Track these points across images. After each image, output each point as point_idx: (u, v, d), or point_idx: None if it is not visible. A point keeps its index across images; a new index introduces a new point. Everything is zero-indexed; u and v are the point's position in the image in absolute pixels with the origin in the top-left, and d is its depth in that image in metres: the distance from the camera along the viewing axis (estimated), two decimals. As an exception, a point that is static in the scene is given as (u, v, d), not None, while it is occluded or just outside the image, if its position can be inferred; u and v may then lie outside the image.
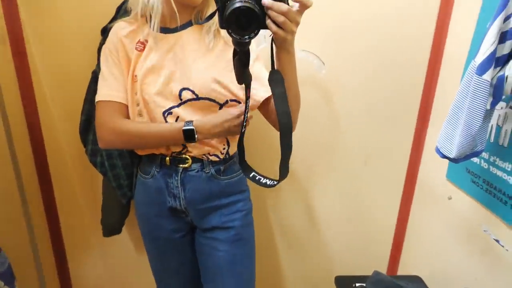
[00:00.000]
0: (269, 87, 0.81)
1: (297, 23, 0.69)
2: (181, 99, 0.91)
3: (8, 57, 1.18)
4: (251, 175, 0.85)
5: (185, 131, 0.89)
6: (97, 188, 1.28)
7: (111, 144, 0.96)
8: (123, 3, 1.11)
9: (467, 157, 0.88)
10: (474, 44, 1.05)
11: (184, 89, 0.90)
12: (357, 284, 1.23)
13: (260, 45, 1.16)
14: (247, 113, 0.84)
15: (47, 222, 1.39)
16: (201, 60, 0.91)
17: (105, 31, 1.14)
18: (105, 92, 0.92)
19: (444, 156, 0.91)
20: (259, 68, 0.96)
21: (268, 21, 0.67)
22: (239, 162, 0.89)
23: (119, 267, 1.52)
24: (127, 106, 0.94)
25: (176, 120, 0.92)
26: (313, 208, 1.48)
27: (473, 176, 1.06)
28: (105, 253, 1.48)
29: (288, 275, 1.58)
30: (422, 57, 1.27)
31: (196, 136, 0.89)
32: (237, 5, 0.63)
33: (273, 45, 0.74)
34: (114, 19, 1.12)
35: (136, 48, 0.91)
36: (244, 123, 0.85)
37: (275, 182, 0.81)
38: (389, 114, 1.35)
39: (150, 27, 0.90)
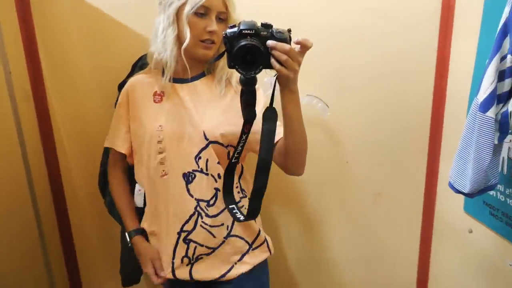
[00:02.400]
0: (278, 132, 0.86)
1: (299, 62, 0.74)
2: (206, 140, 0.94)
3: (32, 113, 1.26)
4: (230, 207, 0.90)
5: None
6: (116, 239, 1.30)
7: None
8: (138, 60, 1.19)
9: (481, 191, 0.88)
10: (476, 76, 1.09)
11: (205, 131, 0.94)
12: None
13: (267, 92, 1.22)
14: (241, 147, 0.86)
15: (67, 272, 1.41)
16: (213, 106, 0.96)
17: (121, 87, 1.22)
18: (110, 140, 1.03)
19: (458, 191, 0.92)
20: None
21: (272, 60, 0.72)
22: (223, 192, 0.93)
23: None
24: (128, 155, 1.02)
25: (206, 163, 0.95)
26: (326, 247, 1.47)
27: (491, 209, 1.05)
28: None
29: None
30: (426, 92, 1.30)
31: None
32: (243, 43, 0.71)
33: (276, 85, 0.79)
34: (130, 75, 1.20)
35: (154, 101, 0.97)
36: (236, 155, 0.88)
37: (242, 218, 0.87)
38: (398, 152, 1.36)
39: (163, 79, 0.95)
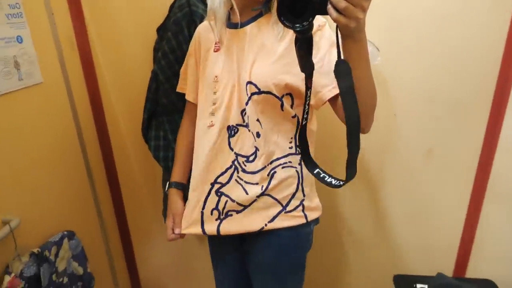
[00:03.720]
0: (335, 87, 0.78)
1: (363, 8, 0.60)
2: (247, 94, 0.89)
3: (77, 60, 1.29)
4: (315, 172, 0.79)
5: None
6: (159, 182, 1.35)
7: None
8: (175, 1, 1.14)
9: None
10: None
11: (249, 83, 0.88)
12: (418, 285, 1.16)
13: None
14: (307, 105, 0.77)
15: (115, 214, 1.53)
16: (266, 52, 0.88)
17: (159, 30, 1.19)
18: (181, 86, 1.07)
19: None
20: (332, 58, 0.86)
21: (329, 7, 0.60)
22: (302, 156, 0.84)
23: (180, 254, 1.60)
24: (195, 106, 1.01)
25: (248, 118, 0.90)
26: (374, 204, 1.41)
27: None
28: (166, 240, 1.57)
29: (349, 269, 1.53)
30: (496, 37, 1.11)
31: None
32: None
33: (338, 33, 0.66)
34: (168, 17, 1.16)
35: (214, 50, 0.94)
36: (305, 115, 0.78)
37: (341, 183, 0.74)
38: (456, 103, 1.21)
39: (215, 27, 0.92)
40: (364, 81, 0.73)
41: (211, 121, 0.93)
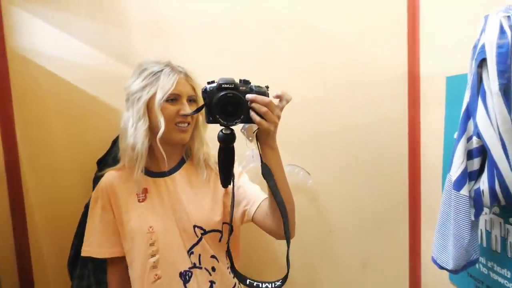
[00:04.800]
0: (256, 200, 0.89)
1: (278, 116, 0.75)
2: (197, 236, 0.90)
3: (4, 192, 1.21)
4: (247, 283, 0.83)
5: None
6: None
7: None
8: (117, 137, 1.19)
9: (464, 267, 0.87)
10: (447, 143, 1.14)
11: (195, 226, 0.91)
12: None
13: (250, 164, 1.23)
14: (231, 222, 0.86)
15: None
16: (201, 195, 0.94)
17: (100, 163, 1.20)
18: (86, 248, 0.93)
19: (442, 267, 0.91)
20: (245, 182, 0.97)
21: (252, 113, 0.72)
22: (231, 269, 0.88)
23: None
24: (117, 258, 0.93)
25: (199, 257, 0.91)
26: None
27: (476, 281, 1.03)
28: None
29: None
30: (401, 160, 1.36)
31: None
32: (224, 92, 0.72)
33: (257, 143, 0.78)
34: (109, 152, 1.19)
35: (138, 200, 0.91)
36: (230, 233, 0.87)
37: (279, 283, 0.80)
38: (380, 221, 1.37)
39: (135, 173, 0.89)
40: (283, 182, 0.82)
41: (156, 275, 0.89)
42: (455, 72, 1.10)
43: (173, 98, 0.88)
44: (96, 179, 1.16)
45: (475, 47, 0.80)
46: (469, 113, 0.81)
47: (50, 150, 1.24)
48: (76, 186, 1.24)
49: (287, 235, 0.79)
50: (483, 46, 0.74)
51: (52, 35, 1.21)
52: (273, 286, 0.80)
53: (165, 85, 0.86)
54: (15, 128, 1.22)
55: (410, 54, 1.31)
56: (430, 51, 1.26)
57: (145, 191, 0.92)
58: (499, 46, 0.71)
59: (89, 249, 0.92)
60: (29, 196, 1.24)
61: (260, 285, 0.81)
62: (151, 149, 0.91)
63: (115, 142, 1.18)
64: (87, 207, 1.12)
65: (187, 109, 0.88)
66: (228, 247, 0.89)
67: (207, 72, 1.17)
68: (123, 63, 1.20)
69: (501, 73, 0.71)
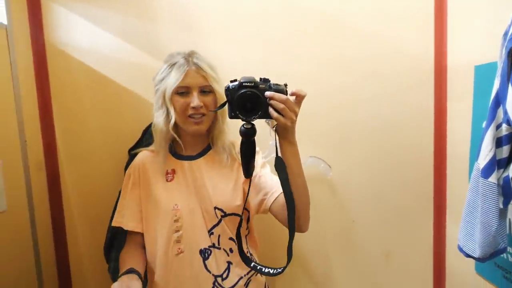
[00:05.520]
0: (276, 192, 0.93)
1: (295, 112, 0.79)
2: (217, 217, 0.96)
3: (43, 181, 1.29)
4: (251, 265, 0.92)
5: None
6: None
7: None
8: (149, 126, 1.24)
9: (491, 255, 0.87)
10: (474, 134, 1.13)
11: (216, 208, 0.96)
12: None
13: (271, 155, 1.25)
14: (245, 206, 0.93)
15: None
16: (223, 180, 0.99)
17: (132, 151, 1.26)
18: (118, 219, 1.00)
19: (468, 256, 0.91)
20: (266, 173, 1.01)
21: (270, 109, 0.78)
22: (238, 252, 0.94)
23: None
24: (138, 234, 0.99)
25: (219, 238, 0.96)
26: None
27: (504, 271, 1.03)
28: None
29: None
30: (427, 152, 1.34)
31: None
32: (243, 91, 0.78)
33: (276, 137, 0.83)
34: (140, 141, 1.24)
35: (166, 180, 0.98)
36: (242, 216, 0.93)
37: (279, 270, 0.87)
38: (404, 211, 1.37)
39: (160, 157, 0.97)
40: (298, 177, 0.85)
41: (179, 248, 0.95)
42: (483, 61, 1.08)
43: (183, 91, 0.92)
44: (127, 167, 1.23)
45: (505, 34, 0.79)
46: (499, 101, 0.81)
47: (85, 141, 1.31)
48: (110, 174, 1.30)
49: (291, 227, 0.84)
50: (514, 33, 0.74)
51: (88, 30, 1.27)
52: (274, 271, 0.88)
53: (173, 78, 0.91)
54: (53, 120, 1.29)
55: (437, 44, 1.29)
56: (458, 40, 1.24)
57: (173, 172, 0.99)
58: (531, 32, 0.70)
59: (122, 220, 1.00)
60: (66, 185, 1.32)
61: (263, 269, 0.89)
62: (179, 135, 0.98)
63: (146, 131, 1.23)
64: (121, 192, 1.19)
65: (196, 100, 0.92)
66: (238, 231, 0.94)
67: (234, 64, 1.23)
68: (154, 56, 1.25)
69: (532, 59, 0.70)
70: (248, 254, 1.01)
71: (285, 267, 0.86)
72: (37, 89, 1.26)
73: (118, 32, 1.27)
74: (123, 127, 1.30)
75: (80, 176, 1.32)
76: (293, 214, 0.84)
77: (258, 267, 0.91)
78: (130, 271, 0.89)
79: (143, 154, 1.04)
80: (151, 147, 1.03)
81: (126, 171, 1.04)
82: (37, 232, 1.21)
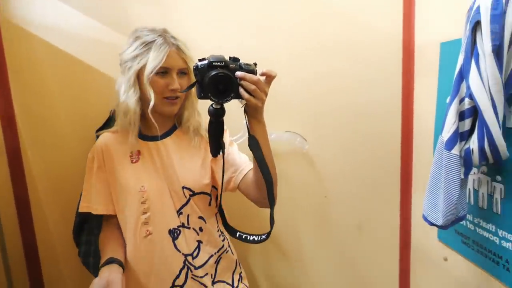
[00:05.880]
0: (244, 169, 0.96)
1: (265, 92, 0.80)
2: (185, 197, 0.96)
3: (4, 165, 1.22)
4: (237, 235, 0.95)
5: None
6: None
7: None
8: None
9: (453, 223, 0.93)
10: (439, 112, 1.18)
11: (184, 187, 0.96)
12: None
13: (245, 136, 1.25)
14: (222, 181, 0.94)
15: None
16: (190, 159, 0.99)
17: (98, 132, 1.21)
18: (84, 204, 0.98)
19: (432, 224, 0.96)
20: (234, 151, 1.03)
21: (241, 90, 0.77)
22: (223, 224, 0.97)
23: None
24: (113, 215, 0.99)
25: (188, 218, 0.96)
26: (310, 277, 1.47)
27: (463, 237, 1.10)
28: None
29: None
30: (395, 128, 1.39)
31: None
32: (215, 72, 0.76)
33: (245, 116, 0.84)
34: (107, 121, 1.20)
35: (131, 161, 0.96)
36: (222, 186, 0.96)
37: (264, 236, 0.90)
38: (373, 186, 1.42)
39: (130, 138, 0.94)
40: (268, 154, 0.87)
41: (147, 230, 0.94)
42: (449, 38, 1.12)
43: (163, 72, 0.90)
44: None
45: (470, 9, 0.81)
46: (462, 76, 0.84)
47: (49, 121, 1.24)
48: (77, 157, 1.24)
49: (271, 201, 0.86)
50: (478, 8, 0.76)
51: (48, 4, 1.18)
52: (259, 238, 0.91)
53: (155, 59, 0.87)
54: (12, 102, 1.21)
55: (406, 21, 1.31)
56: (425, 17, 1.27)
57: (138, 153, 0.97)
58: (493, 8, 0.73)
59: (89, 205, 0.98)
60: (30, 168, 1.25)
61: (248, 237, 0.93)
62: (143, 115, 0.95)
63: (114, 112, 1.19)
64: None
65: (176, 83, 0.90)
66: (220, 206, 0.97)
67: (204, 42, 1.19)
68: (120, 33, 1.18)
69: (494, 34, 0.73)
70: (221, 232, 1.03)
71: (269, 233, 0.89)
72: (-9, 68, 1.17)
73: (81, 7, 1.20)
74: (89, 107, 1.25)
75: (46, 160, 1.26)
76: (272, 188, 0.85)
77: (243, 236, 0.94)
78: (110, 261, 0.87)
79: (105, 136, 1.00)
80: (113, 128, 0.99)
81: (89, 154, 1.00)
82: (1, 218, 1.15)
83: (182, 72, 0.93)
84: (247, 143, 0.86)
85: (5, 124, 1.21)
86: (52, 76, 1.22)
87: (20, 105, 1.22)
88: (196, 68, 0.78)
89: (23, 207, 1.26)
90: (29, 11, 1.18)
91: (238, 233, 0.96)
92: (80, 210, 0.99)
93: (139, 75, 0.89)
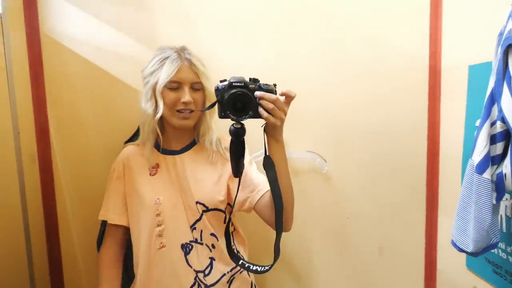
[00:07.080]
0: (261, 190, 0.94)
1: (284, 112, 0.81)
2: (199, 212, 0.96)
3: (36, 175, 1.26)
4: (240, 263, 0.92)
5: None
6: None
7: None
8: (145, 120, 1.23)
9: (484, 250, 0.89)
10: (467, 134, 1.15)
11: (197, 202, 0.97)
12: None
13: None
14: (233, 204, 0.93)
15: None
16: (206, 175, 0.99)
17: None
18: (103, 212, 1.03)
19: (461, 250, 0.93)
20: (253, 171, 1.02)
21: (260, 109, 0.79)
22: (226, 248, 0.94)
23: None
24: (122, 227, 1.02)
25: (201, 233, 0.97)
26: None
27: (495, 266, 1.05)
28: None
29: None
30: (420, 150, 1.37)
31: None
32: (234, 91, 0.79)
33: (265, 135, 0.84)
34: (136, 133, 1.23)
35: (150, 174, 0.99)
36: (233, 206, 0.94)
37: (266, 268, 0.87)
38: (397, 208, 1.39)
39: (145, 151, 0.98)
40: (284, 176, 0.87)
41: (161, 243, 0.95)
42: (477, 61, 1.11)
43: (174, 87, 0.93)
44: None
45: (501, 34, 0.81)
46: (494, 98, 0.83)
47: (80, 134, 1.29)
48: (103, 169, 1.27)
49: (278, 226, 0.85)
50: (510, 32, 0.76)
51: (83, 21, 1.25)
52: (262, 269, 0.88)
53: (166, 72, 0.91)
54: (47, 112, 1.26)
55: (432, 44, 1.31)
56: (453, 40, 1.26)
57: (157, 166, 1.00)
58: (527, 31, 0.72)
59: (106, 213, 1.02)
60: (59, 178, 1.29)
61: (251, 267, 0.90)
62: (164, 129, 0.99)
63: (142, 125, 1.22)
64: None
65: (187, 95, 0.93)
66: (228, 227, 0.94)
67: (229, 61, 1.22)
68: (151, 49, 1.23)
69: (528, 57, 0.72)
70: (235, 251, 1.01)
71: (272, 265, 0.87)
72: (31, 80, 1.23)
73: (114, 23, 1.26)
74: (118, 120, 1.28)
75: (74, 170, 1.30)
76: (281, 212, 0.84)
77: (246, 265, 0.91)
78: None
79: (128, 149, 1.05)
80: (137, 141, 1.04)
81: (112, 165, 1.05)
82: (29, 226, 1.19)
83: (195, 87, 0.95)
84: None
85: (40, 137, 1.26)
86: (83, 90, 1.27)
87: (54, 118, 1.27)
88: (217, 89, 0.81)
89: (51, 215, 1.29)
90: (64, 26, 1.24)
91: (241, 261, 0.93)
92: (99, 218, 1.03)
93: (154, 90, 0.94)
